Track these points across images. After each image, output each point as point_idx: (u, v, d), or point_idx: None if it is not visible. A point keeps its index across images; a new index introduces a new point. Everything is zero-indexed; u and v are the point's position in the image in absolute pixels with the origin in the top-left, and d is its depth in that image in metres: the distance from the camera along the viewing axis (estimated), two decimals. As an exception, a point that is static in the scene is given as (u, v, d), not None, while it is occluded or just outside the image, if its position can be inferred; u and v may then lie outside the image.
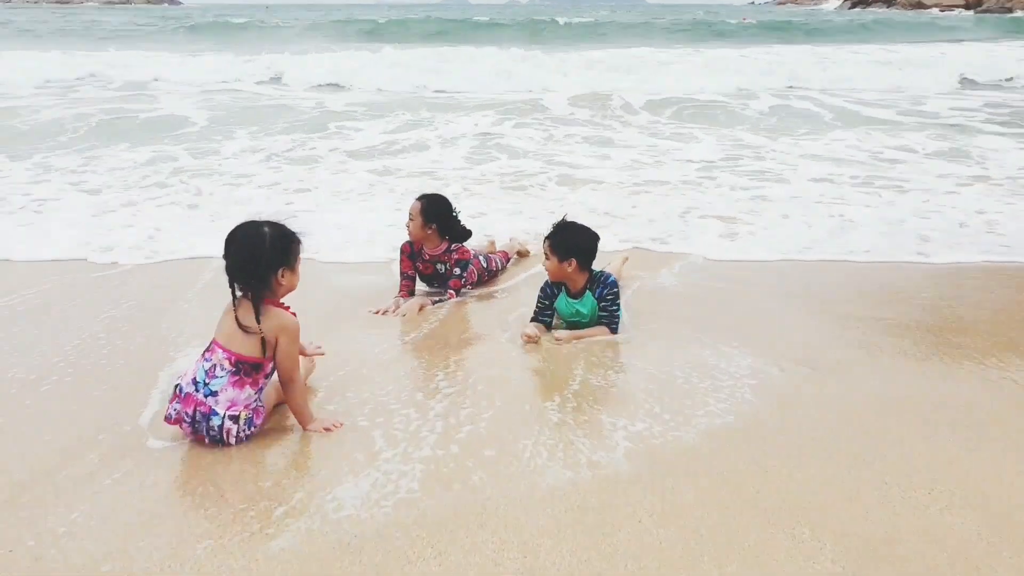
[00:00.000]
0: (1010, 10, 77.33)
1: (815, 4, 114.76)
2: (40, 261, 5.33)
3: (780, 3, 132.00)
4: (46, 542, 2.37)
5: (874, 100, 14.39)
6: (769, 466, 2.76)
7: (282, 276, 2.99)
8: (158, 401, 3.26)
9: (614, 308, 4.05)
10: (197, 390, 2.91)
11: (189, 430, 2.93)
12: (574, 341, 3.96)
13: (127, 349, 3.86)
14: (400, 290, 4.60)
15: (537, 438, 2.97)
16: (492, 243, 5.36)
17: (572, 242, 3.97)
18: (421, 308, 4.41)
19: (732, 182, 7.83)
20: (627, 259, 5.06)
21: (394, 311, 4.37)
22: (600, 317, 4.07)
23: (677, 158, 9.11)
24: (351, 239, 5.84)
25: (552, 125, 11.52)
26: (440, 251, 4.63)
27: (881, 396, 3.32)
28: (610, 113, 12.82)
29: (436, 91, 15.84)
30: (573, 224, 4.04)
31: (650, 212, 6.66)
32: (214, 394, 2.90)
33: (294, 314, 3.06)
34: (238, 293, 3.00)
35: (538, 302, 4.13)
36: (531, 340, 3.93)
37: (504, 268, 5.18)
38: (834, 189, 7.52)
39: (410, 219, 4.56)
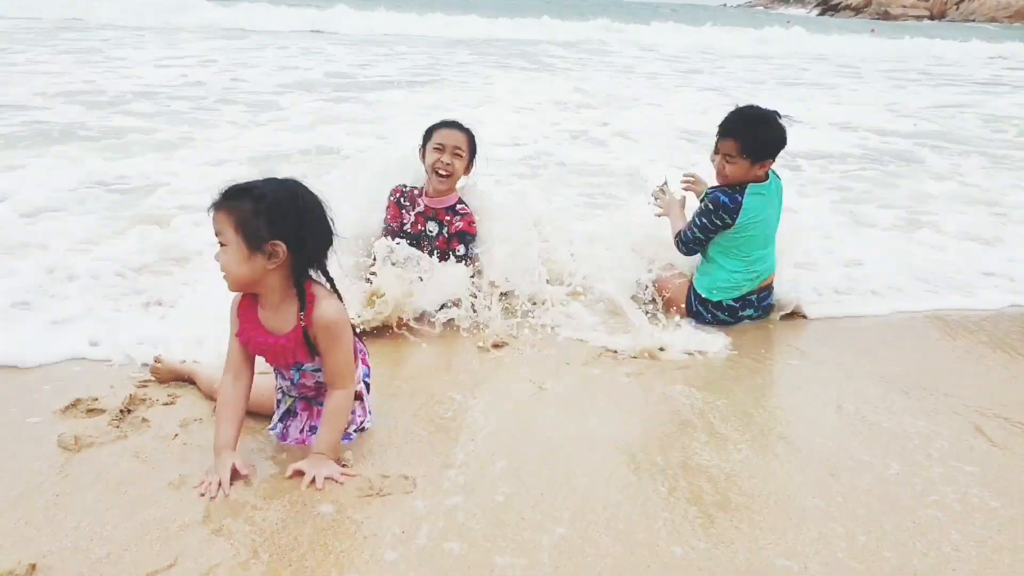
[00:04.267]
0: (972, 20, 78.52)
1: (785, 7, 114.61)
2: None
3: (751, 5, 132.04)
4: None
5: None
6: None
7: (272, 251, 2.06)
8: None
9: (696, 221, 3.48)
10: None
11: None
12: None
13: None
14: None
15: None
16: None
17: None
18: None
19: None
20: None
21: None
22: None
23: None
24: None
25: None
26: (445, 204, 3.48)
27: None
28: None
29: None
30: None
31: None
32: None
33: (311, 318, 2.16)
34: None
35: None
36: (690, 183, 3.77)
37: None
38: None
39: (454, 154, 3.42)
